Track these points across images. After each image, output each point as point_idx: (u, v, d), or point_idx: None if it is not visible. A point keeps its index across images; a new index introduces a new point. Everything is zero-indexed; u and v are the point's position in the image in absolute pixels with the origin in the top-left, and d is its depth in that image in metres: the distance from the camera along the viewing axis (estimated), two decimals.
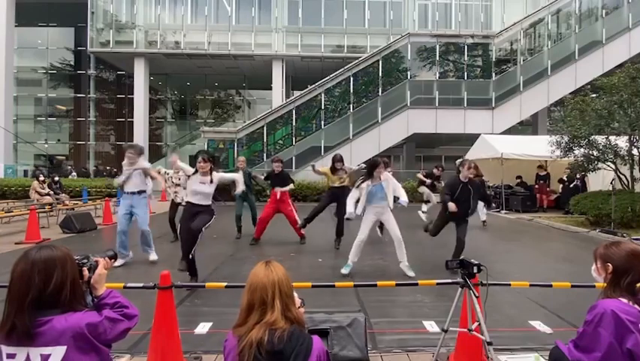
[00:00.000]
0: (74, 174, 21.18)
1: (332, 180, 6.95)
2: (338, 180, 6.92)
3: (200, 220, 4.60)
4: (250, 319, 1.43)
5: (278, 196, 7.24)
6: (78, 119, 26.14)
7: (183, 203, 7.24)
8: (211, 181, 4.67)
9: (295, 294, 1.55)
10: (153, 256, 5.89)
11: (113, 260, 1.67)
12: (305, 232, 7.51)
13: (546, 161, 13.19)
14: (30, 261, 1.37)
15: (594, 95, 10.54)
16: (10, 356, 1.32)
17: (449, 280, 3.01)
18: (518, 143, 13.34)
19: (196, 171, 4.72)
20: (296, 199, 14.40)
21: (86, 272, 1.53)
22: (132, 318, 1.55)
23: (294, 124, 19.12)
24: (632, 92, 8.87)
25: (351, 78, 19.22)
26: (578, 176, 12.04)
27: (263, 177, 7.90)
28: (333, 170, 6.89)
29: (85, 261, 1.55)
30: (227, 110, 27.79)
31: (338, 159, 6.89)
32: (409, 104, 18.89)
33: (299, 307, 1.52)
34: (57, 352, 1.33)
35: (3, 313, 1.34)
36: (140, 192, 5.78)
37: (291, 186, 7.43)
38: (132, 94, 22.58)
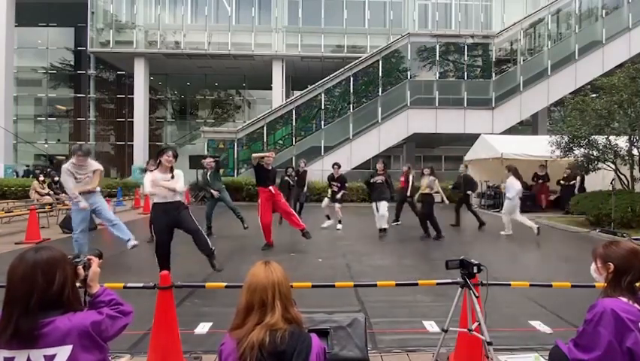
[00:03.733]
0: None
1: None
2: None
3: (187, 221, 4.65)
4: (249, 320, 1.40)
5: (273, 191, 6.81)
6: (78, 119, 26.13)
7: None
8: (172, 177, 4.62)
9: None
10: (132, 242, 5.61)
11: (100, 259, 1.67)
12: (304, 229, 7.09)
13: (546, 161, 13.19)
14: (31, 262, 1.36)
15: (594, 95, 10.53)
16: (8, 360, 1.30)
17: (449, 280, 3.00)
18: (518, 143, 13.33)
19: (158, 166, 4.65)
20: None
21: (81, 271, 1.53)
22: (128, 314, 1.58)
23: (294, 124, 19.14)
24: (632, 92, 8.87)
25: (351, 78, 19.23)
26: (577, 177, 12.05)
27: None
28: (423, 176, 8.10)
29: (78, 260, 1.54)
30: (227, 110, 27.79)
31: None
32: (408, 104, 18.89)
33: None
34: (63, 352, 1.33)
35: (2, 316, 1.33)
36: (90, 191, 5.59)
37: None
38: (132, 94, 22.58)
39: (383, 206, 8.01)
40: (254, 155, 6.87)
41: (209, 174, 8.28)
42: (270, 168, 6.85)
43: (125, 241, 5.61)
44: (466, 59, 19.57)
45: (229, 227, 8.47)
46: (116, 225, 5.65)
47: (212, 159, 8.43)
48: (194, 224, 4.73)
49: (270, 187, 6.77)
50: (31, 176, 20.14)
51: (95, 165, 5.69)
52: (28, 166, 23.00)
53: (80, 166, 5.47)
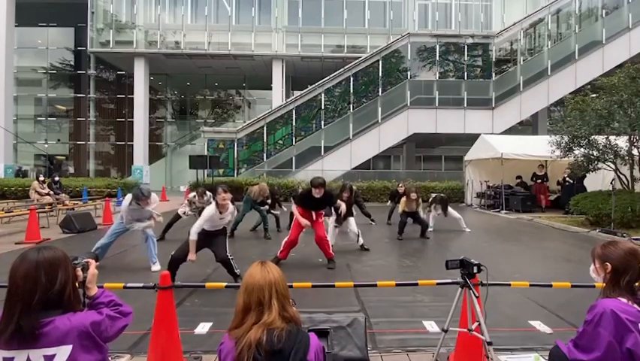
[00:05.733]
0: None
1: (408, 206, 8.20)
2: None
3: (220, 247, 4.72)
4: (247, 320, 1.42)
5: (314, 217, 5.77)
6: (78, 119, 26.11)
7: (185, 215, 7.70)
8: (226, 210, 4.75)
9: None
10: (155, 267, 5.63)
11: (97, 262, 1.67)
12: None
13: (546, 161, 13.19)
14: (34, 262, 1.36)
15: (594, 95, 10.53)
16: (8, 360, 1.31)
17: (449, 280, 3.00)
18: (518, 143, 13.34)
19: (216, 204, 4.67)
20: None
21: (80, 273, 1.54)
22: (128, 315, 1.58)
23: (294, 124, 19.14)
24: (632, 92, 8.86)
25: (351, 78, 19.23)
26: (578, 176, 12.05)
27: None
28: (409, 200, 8.14)
29: (76, 262, 1.55)
30: (227, 110, 27.78)
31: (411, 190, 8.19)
32: (408, 104, 18.90)
33: None
34: (62, 351, 1.33)
35: (2, 315, 1.33)
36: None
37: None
38: (132, 94, 22.58)
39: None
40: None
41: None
42: (318, 196, 5.51)
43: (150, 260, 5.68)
44: (466, 59, 19.57)
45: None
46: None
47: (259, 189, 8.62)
48: (225, 252, 4.71)
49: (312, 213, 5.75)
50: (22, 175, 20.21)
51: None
52: (20, 168, 22.94)
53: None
